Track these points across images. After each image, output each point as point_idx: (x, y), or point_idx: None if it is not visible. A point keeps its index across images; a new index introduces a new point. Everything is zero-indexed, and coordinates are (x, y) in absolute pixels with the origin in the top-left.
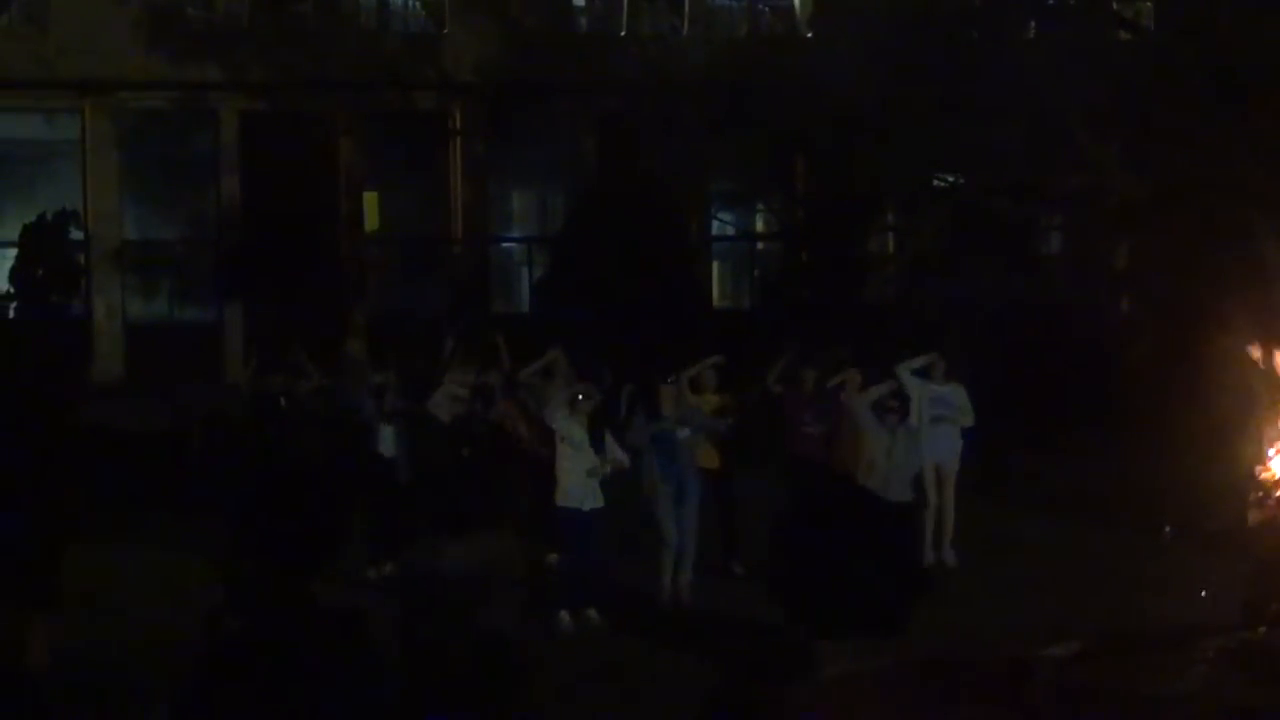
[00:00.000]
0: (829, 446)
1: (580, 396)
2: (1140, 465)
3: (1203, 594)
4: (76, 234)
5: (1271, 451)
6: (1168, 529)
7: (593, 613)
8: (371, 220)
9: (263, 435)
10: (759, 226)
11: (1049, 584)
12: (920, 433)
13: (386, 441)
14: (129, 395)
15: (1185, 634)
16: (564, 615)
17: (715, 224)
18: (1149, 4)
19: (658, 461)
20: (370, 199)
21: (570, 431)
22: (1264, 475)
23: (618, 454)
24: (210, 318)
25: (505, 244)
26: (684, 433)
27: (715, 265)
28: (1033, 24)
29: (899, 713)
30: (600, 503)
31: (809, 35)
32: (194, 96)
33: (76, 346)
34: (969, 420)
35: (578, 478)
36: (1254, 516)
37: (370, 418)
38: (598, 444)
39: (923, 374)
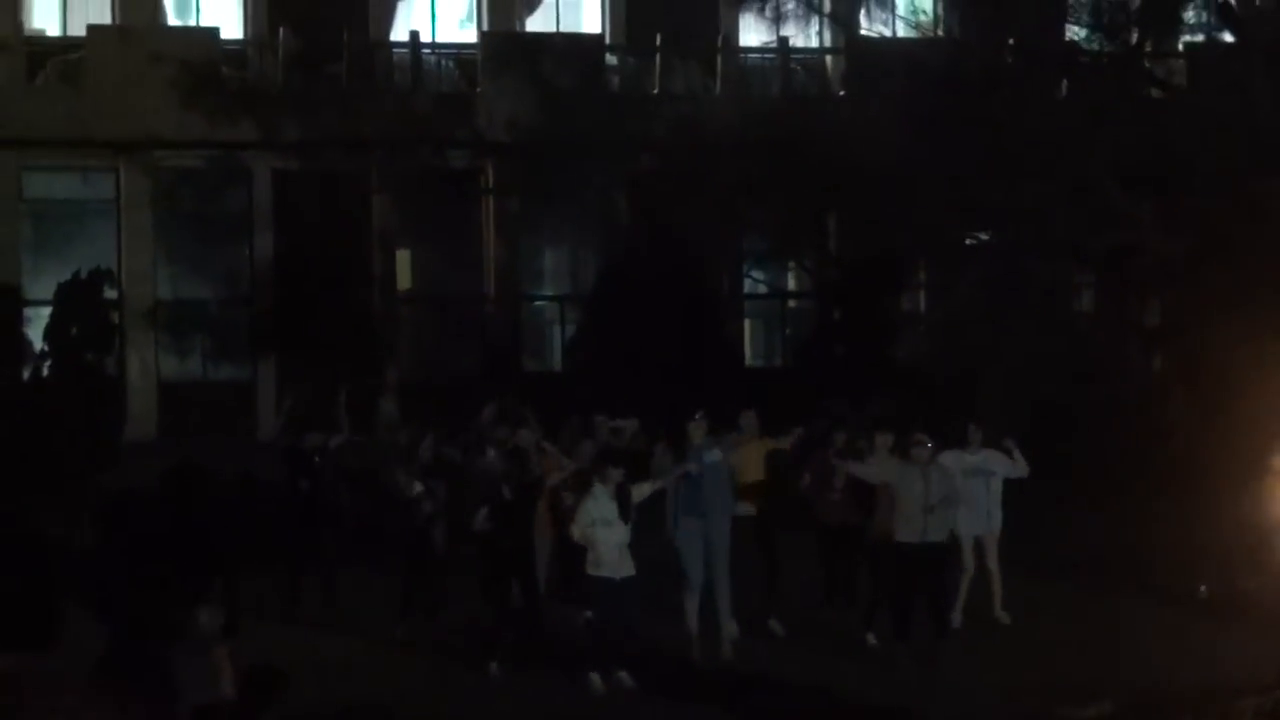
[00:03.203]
0: (866, 511)
1: (608, 468)
2: (1174, 524)
3: (1201, 589)
4: (110, 293)
5: None
6: (1203, 588)
7: (624, 675)
8: (404, 278)
9: (295, 492)
10: (791, 284)
11: (1083, 643)
12: (956, 482)
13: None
14: (162, 454)
15: (1220, 694)
16: (595, 677)
17: (747, 282)
18: (1182, 62)
19: (684, 496)
20: (403, 257)
21: (600, 510)
22: None
23: (644, 490)
24: (243, 376)
25: (537, 302)
26: (712, 455)
27: (747, 323)
28: (1064, 81)
29: None
30: (632, 571)
31: (841, 94)
32: (228, 155)
33: (110, 406)
34: (1019, 471)
35: (610, 549)
36: None
37: (410, 476)
38: (625, 513)
39: (960, 443)
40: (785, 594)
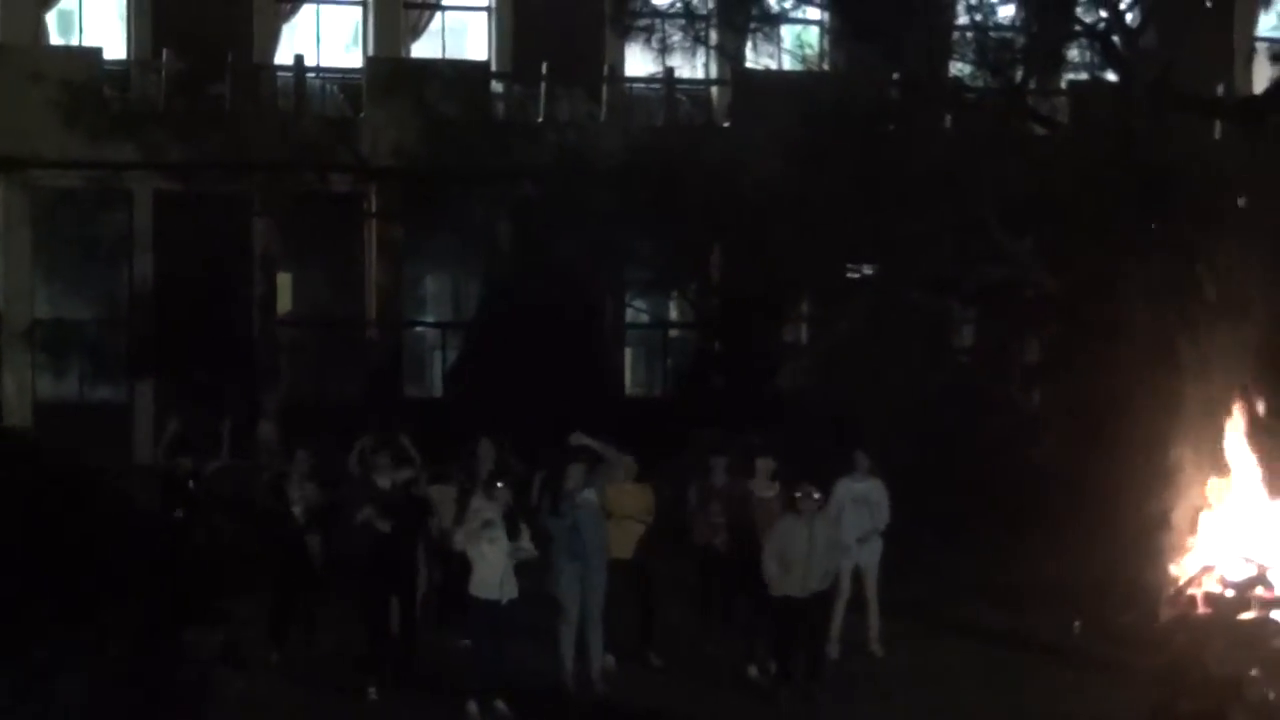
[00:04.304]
0: (737, 536)
1: (498, 484)
2: (1051, 558)
3: (1075, 625)
4: None
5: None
6: (1077, 623)
7: (500, 703)
8: (285, 302)
9: (169, 518)
10: (673, 314)
11: (958, 678)
12: (840, 526)
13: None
14: None
15: None
16: (471, 705)
17: (629, 311)
18: (1065, 99)
19: (565, 542)
20: (284, 281)
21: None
22: (1177, 573)
23: (527, 544)
24: (121, 398)
25: (419, 328)
26: (585, 497)
27: (628, 352)
28: (949, 117)
29: None
30: (514, 594)
31: (726, 125)
32: (109, 176)
33: None
34: (883, 521)
35: (489, 566)
36: (1166, 614)
37: (289, 501)
38: (513, 533)
39: (848, 471)
40: (666, 628)
